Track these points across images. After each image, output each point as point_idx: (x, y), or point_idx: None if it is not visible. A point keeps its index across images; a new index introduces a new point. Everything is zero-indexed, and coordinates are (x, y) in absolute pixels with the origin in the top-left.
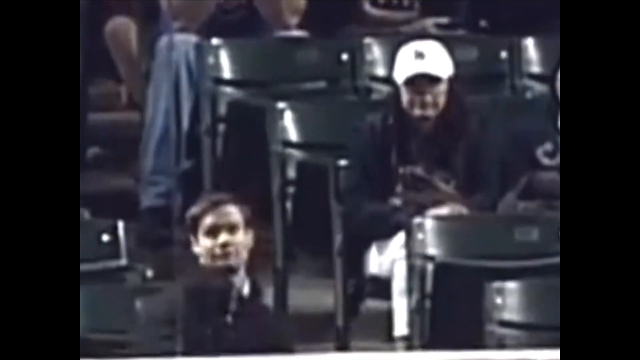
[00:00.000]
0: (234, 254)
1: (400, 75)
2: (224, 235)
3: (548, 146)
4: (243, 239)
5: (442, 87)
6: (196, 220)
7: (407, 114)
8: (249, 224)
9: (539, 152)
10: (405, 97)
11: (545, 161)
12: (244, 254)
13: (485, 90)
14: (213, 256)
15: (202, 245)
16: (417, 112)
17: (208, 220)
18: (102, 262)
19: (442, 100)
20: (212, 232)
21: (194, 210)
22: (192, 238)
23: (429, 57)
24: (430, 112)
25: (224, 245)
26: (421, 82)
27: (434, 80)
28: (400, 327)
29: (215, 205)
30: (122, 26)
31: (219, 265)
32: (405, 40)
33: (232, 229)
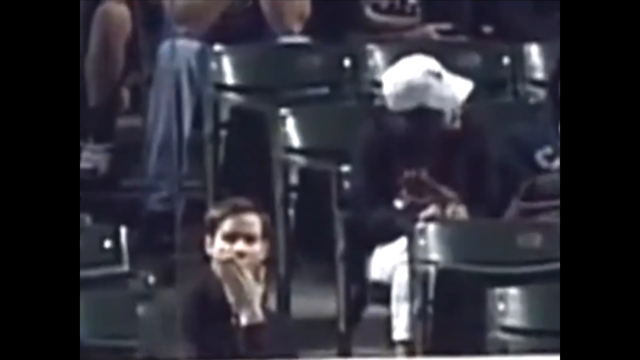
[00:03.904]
0: (248, 264)
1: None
2: (241, 244)
3: (548, 150)
4: (258, 250)
5: None
6: (215, 222)
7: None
8: (265, 234)
9: (539, 156)
10: None
11: (545, 165)
12: (255, 264)
13: (487, 96)
14: (226, 261)
15: (217, 247)
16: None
17: (228, 225)
18: (104, 268)
19: None
20: (230, 237)
21: (215, 212)
22: (208, 240)
23: (444, 78)
24: None
25: (240, 254)
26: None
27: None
28: (399, 332)
29: (236, 211)
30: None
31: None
32: (405, 52)
33: (249, 239)
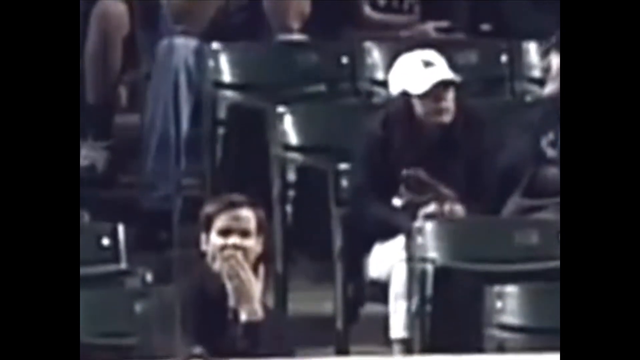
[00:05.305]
0: (243, 258)
1: (415, 86)
2: (235, 238)
3: (546, 146)
4: (253, 244)
5: (453, 93)
6: (210, 218)
7: (421, 123)
8: (260, 229)
9: (538, 152)
10: (421, 107)
11: (544, 163)
12: (252, 259)
13: (485, 94)
14: (221, 257)
15: (212, 243)
16: (433, 119)
17: (221, 221)
18: (102, 266)
19: (452, 105)
20: (224, 233)
21: (209, 208)
22: (202, 236)
23: (438, 64)
24: (446, 118)
25: (234, 247)
26: (438, 90)
27: (447, 85)
28: (397, 329)
29: (230, 206)
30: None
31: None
32: (403, 50)
33: (244, 234)
